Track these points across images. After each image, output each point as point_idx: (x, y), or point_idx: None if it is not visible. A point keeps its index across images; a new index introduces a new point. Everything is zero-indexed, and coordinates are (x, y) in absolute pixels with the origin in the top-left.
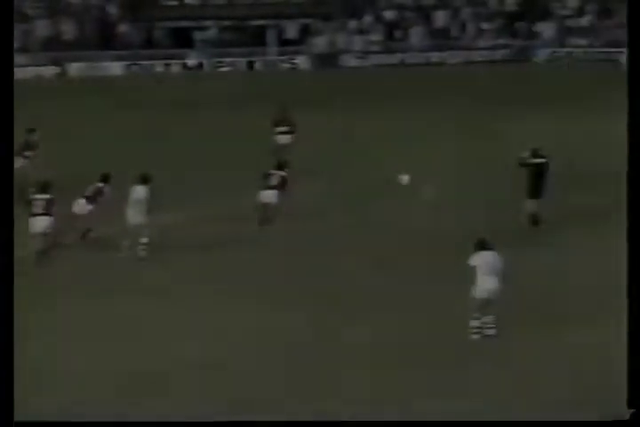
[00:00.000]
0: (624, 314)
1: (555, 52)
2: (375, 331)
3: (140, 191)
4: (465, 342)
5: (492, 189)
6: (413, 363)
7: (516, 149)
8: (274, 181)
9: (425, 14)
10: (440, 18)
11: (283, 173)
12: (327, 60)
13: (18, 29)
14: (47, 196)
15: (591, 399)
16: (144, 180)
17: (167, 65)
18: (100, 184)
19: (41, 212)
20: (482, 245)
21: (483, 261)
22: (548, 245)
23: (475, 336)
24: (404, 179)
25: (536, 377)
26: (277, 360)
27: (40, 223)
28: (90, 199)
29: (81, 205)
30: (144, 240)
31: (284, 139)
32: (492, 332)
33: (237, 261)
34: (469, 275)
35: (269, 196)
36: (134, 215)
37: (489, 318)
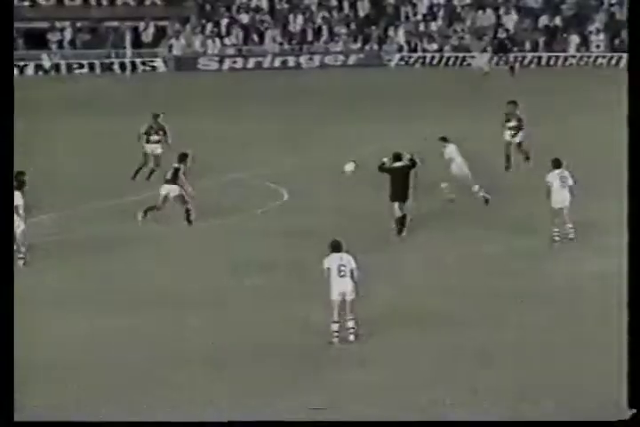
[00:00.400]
0: (499, 314)
1: (407, 56)
2: (233, 332)
3: (16, 197)
4: (325, 347)
5: (351, 193)
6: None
7: (370, 153)
8: (169, 174)
9: (280, 18)
10: (295, 22)
11: (175, 165)
12: (185, 64)
13: None
14: None
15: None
16: (19, 185)
17: (21, 66)
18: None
19: None
20: (334, 247)
21: (336, 263)
22: (413, 248)
23: (335, 340)
24: (349, 166)
25: (400, 379)
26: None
27: None
28: None
29: None
30: (22, 249)
31: (155, 147)
32: (351, 338)
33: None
34: (325, 277)
35: (166, 189)
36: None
37: (350, 323)
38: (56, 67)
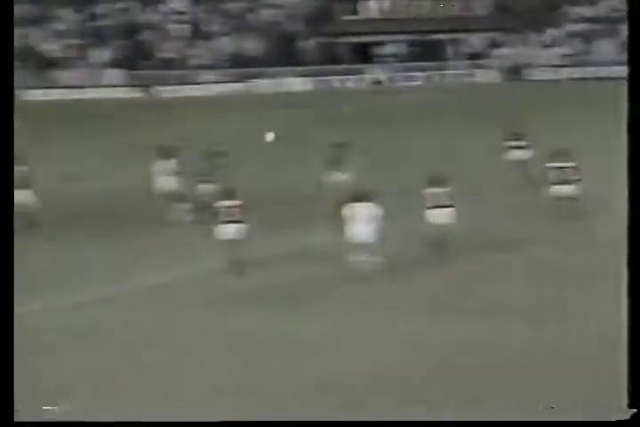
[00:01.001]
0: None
1: None
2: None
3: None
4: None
5: None
6: None
7: None
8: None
9: (614, 27)
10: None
11: (571, 164)
12: (514, 74)
13: (203, 47)
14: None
15: None
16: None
17: (349, 80)
18: None
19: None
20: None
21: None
22: None
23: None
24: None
25: None
26: None
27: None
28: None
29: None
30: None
31: (519, 154)
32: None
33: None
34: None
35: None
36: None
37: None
38: (380, 80)
